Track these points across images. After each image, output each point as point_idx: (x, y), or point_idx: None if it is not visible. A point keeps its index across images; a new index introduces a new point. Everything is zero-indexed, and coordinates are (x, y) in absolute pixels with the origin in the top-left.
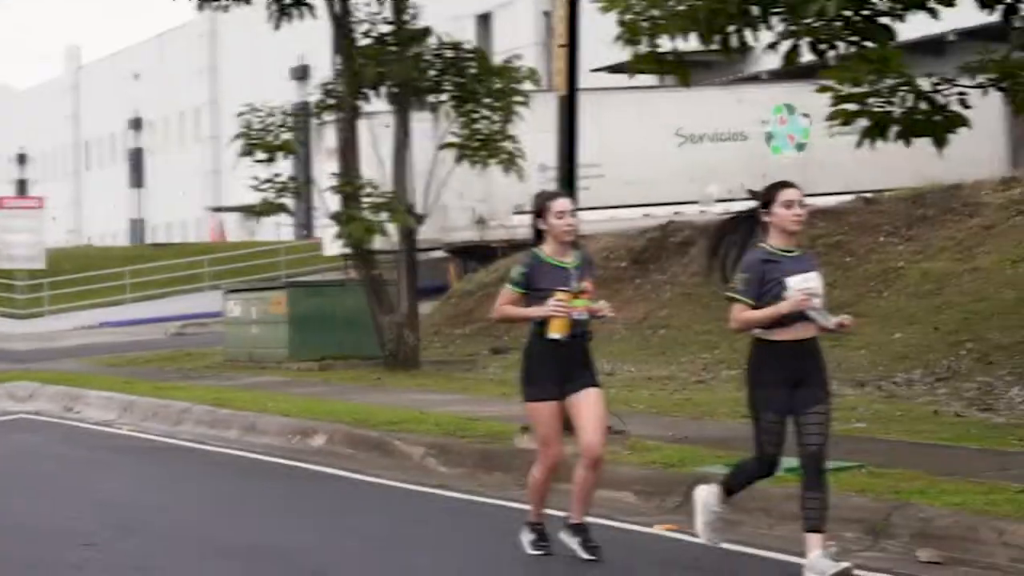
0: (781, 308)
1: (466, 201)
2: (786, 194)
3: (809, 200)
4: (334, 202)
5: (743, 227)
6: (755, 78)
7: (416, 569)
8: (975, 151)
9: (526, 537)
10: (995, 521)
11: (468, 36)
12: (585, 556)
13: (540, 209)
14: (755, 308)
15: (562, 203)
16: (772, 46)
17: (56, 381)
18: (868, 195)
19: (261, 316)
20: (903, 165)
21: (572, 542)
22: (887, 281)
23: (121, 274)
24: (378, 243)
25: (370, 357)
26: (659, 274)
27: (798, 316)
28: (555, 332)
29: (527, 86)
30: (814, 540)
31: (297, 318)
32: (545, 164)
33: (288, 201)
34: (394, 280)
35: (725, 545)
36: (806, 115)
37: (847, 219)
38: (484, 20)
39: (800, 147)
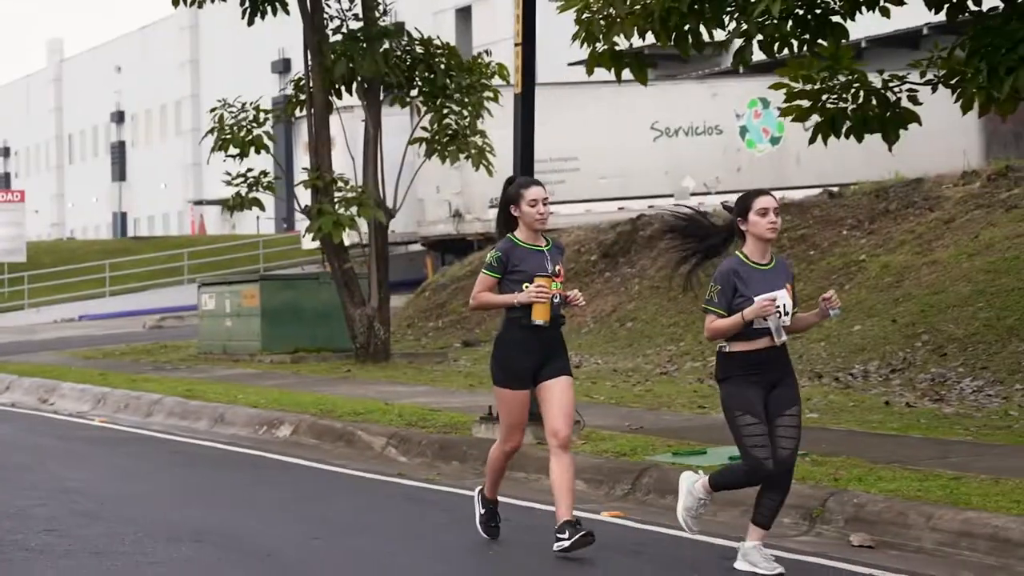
0: (746, 314)
1: (443, 195)
2: (761, 202)
3: (785, 194)
4: (308, 196)
5: (713, 240)
6: (731, 72)
7: (365, 552)
8: (949, 143)
9: (478, 510)
10: (925, 506)
11: (449, 29)
12: (578, 544)
13: (513, 196)
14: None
15: (536, 191)
16: (722, 44)
17: (32, 373)
18: (834, 189)
19: (235, 309)
20: (877, 158)
21: (564, 541)
22: (849, 274)
23: (101, 268)
24: (355, 237)
25: (342, 350)
26: (628, 267)
27: (763, 332)
28: (538, 318)
29: (496, 81)
30: (757, 533)
31: (270, 311)
32: None
33: (261, 196)
34: (366, 274)
35: (665, 531)
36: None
37: (811, 213)
38: (464, 13)
39: (775, 141)
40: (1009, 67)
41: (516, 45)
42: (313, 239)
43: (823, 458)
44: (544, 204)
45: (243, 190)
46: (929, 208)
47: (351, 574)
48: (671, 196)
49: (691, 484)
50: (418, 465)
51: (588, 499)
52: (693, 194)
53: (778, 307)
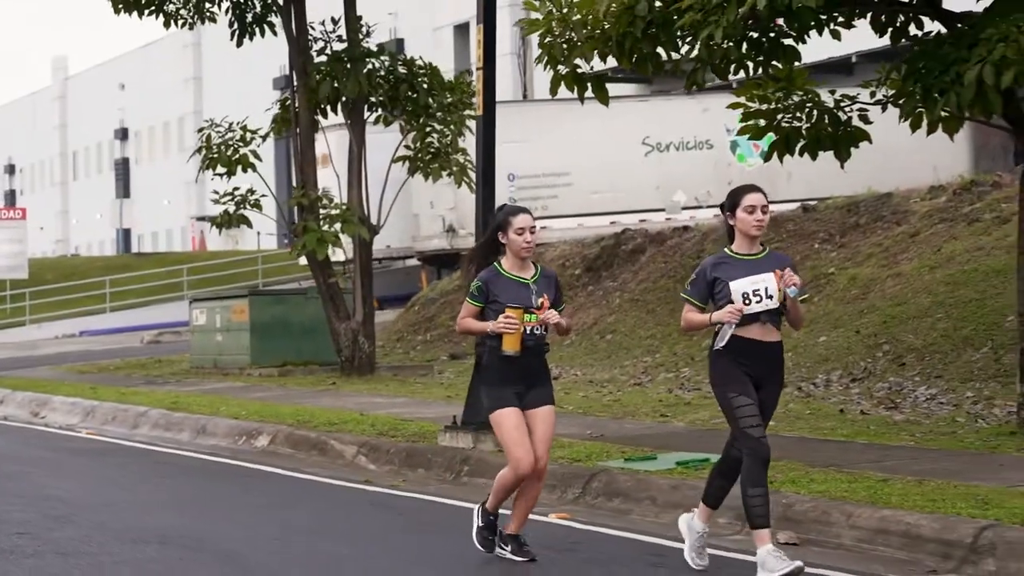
0: (713, 316)
1: (437, 210)
2: (749, 199)
3: (774, 207)
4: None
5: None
6: (723, 87)
7: (320, 553)
8: (938, 157)
9: (476, 523)
10: (847, 506)
11: (448, 45)
12: (520, 559)
13: (501, 224)
14: (703, 309)
15: (523, 219)
16: (675, 66)
17: (25, 387)
18: (812, 203)
19: (225, 324)
20: (864, 172)
21: (504, 551)
22: (818, 287)
23: (102, 284)
24: (350, 253)
25: (329, 363)
26: (610, 281)
27: (752, 319)
28: (508, 348)
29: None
30: (763, 535)
31: (259, 325)
32: (513, 173)
33: (248, 213)
34: (350, 289)
35: (605, 530)
36: None
37: (786, 227)
38: (462, 30)
39: (765, 155)
40: (941, 89)
41: (477, 69)
42: (297, 256)
43: None
44: (531, 232)
45: (231, 208)
46: (896, 222)
47: (302, 572)
48: (663, 210)
49: (689, 521)
50: (386, 472)
51: (541, 503)
52: (684, 208)
53: (758, 291)
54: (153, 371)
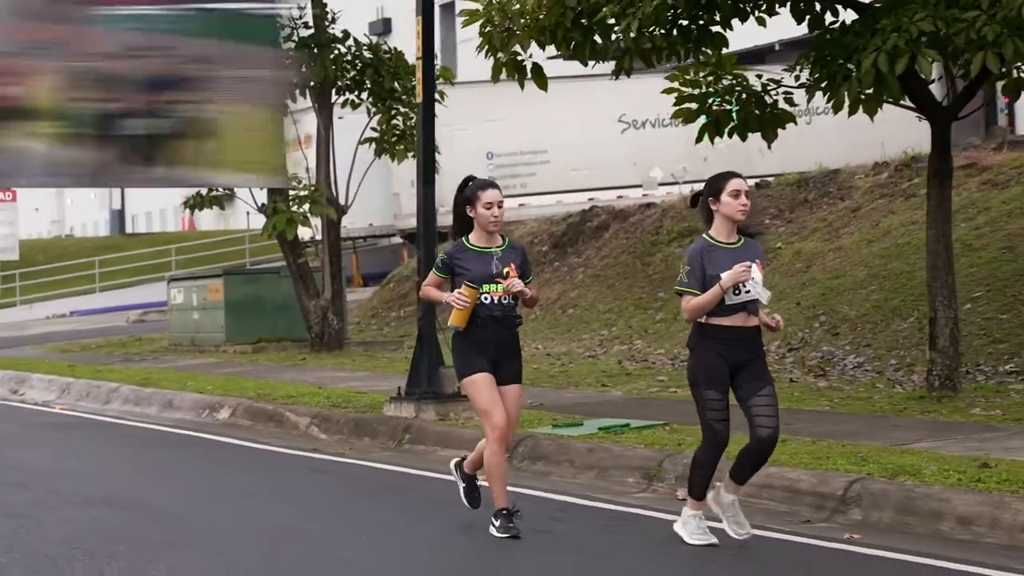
0: (724, 283)
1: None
2: (733, 184)
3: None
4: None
5: None
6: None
7: (253, 513)
8: (909, 131)
9: (459, 484)
10: None
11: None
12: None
13: (470, 197)
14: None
15: (491, 194)
16: (604, 55)
17: (6, 366)
18: (769, 178)
19: (201, 303)
20: (835, 146)
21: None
22: (767, 262)
23: (92, 264)
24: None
25: (301, 340)
26: (575, 257)
27: (739, 307)
28: (452, 322)
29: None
30: (696, 504)
31: (233, 304)
32: (492, 152)
33: (219, 195)
34: (320, 267)
35: (522, 490)
36: None
37: None
38: (448, 9)
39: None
40: (844, 75)
41: (417, 59)
42: (269, 237)
43: (681, 426)
44: (499, 207)
45: (203, 190)
46: (841, 197)
47: (232, 528)
48: (640, 187)
49: (716, 498)
50: (335, 441)
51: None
52: (661, 184)
53: (752, 277)
54: (132, 349)
